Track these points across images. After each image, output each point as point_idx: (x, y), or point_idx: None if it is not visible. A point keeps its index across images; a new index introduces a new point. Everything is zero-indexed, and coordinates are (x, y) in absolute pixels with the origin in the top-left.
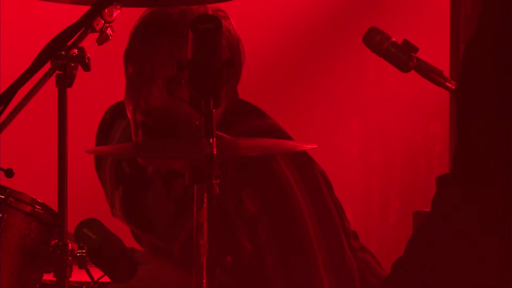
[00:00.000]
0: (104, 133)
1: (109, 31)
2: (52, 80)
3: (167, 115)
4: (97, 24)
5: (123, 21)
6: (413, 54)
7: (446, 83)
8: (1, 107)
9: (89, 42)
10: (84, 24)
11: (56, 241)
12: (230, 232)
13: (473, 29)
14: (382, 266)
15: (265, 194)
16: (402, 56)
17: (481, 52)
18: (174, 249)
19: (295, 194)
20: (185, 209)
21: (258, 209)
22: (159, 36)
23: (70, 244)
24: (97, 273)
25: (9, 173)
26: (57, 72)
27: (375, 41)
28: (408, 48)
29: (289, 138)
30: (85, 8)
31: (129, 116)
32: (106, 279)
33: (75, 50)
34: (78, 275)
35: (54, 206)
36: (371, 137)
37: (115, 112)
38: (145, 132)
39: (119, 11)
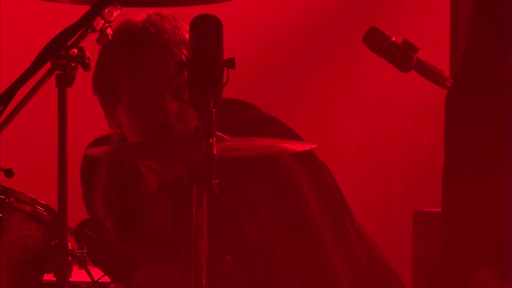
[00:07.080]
0: (88, 172)
1: (109, 31)
2: (52, 80)
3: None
4: (97, 24)
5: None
6: (413, 54)
7: (446, 83)
8: (1, 107)
9: (89, 42)
10: (84, 24)
11: (56, 241)
12: (233, 221)
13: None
14: (384, 254)
15: (265, 177)
16: (402, 56)
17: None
18: (179, 253)
19: (294, 173)
20: (184, 215)
21: (260, 193)
22: (140, 50)
23: (70, 244)
24: (97, 273)
25: (9, 173)
26: (57, 72)
27: (375, 41)
28: (408, 48)
29: (281, 124)
30: (85, 8)
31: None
32: (106, 279)
33: (75, 50)
34: (78, 275)
35: (54, 206)
36: (369, 137)
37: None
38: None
39: (119, 11)
